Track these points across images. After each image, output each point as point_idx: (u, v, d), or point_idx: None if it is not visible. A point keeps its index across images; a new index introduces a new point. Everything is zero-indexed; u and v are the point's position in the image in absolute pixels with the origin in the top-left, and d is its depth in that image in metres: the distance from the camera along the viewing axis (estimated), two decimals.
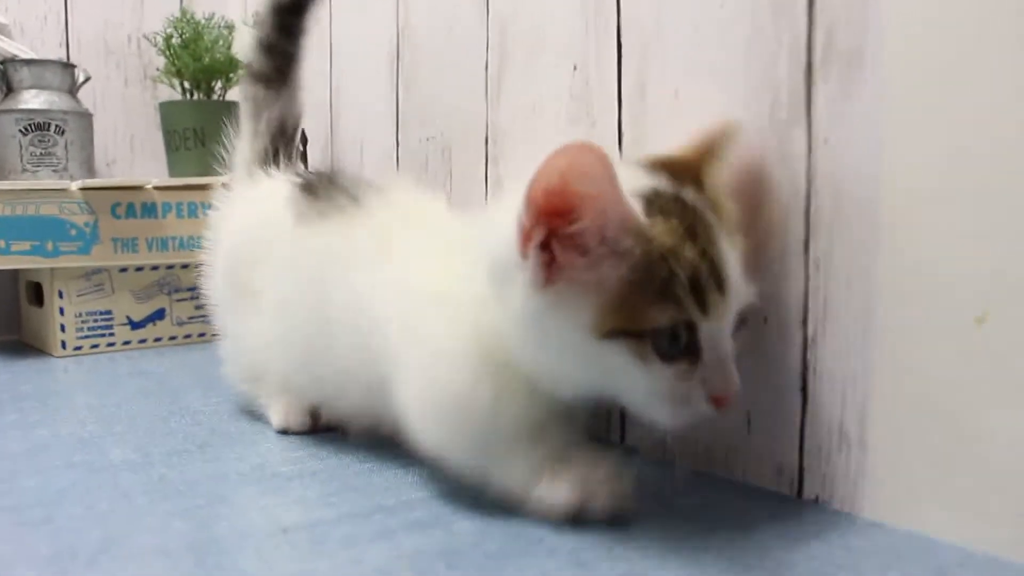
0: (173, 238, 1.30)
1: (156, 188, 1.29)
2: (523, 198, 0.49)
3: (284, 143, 0.91)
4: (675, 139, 0.61)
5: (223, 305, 0.87)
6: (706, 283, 0.49)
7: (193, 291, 1.33)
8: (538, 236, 0.49)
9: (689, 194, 0.53)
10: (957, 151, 0.50)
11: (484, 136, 0.90)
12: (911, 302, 0.52)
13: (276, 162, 0.89)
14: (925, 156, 0.52)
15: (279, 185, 0.82)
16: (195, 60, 1.39)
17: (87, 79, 1.40)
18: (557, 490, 0.55)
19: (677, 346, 0.49)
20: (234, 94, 1.46)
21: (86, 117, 1.38)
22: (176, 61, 1.39)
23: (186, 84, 1.42)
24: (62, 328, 1.24)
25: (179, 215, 1.30)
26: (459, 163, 0.95)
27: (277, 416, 0.81)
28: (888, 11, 0.53)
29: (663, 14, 0.69)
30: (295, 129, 0.93)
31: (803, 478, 0.60)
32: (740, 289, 0.51)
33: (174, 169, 1.43)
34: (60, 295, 1.24)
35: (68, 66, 1.37)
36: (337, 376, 0.70)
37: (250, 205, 0.86)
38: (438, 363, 0.58)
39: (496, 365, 0.56)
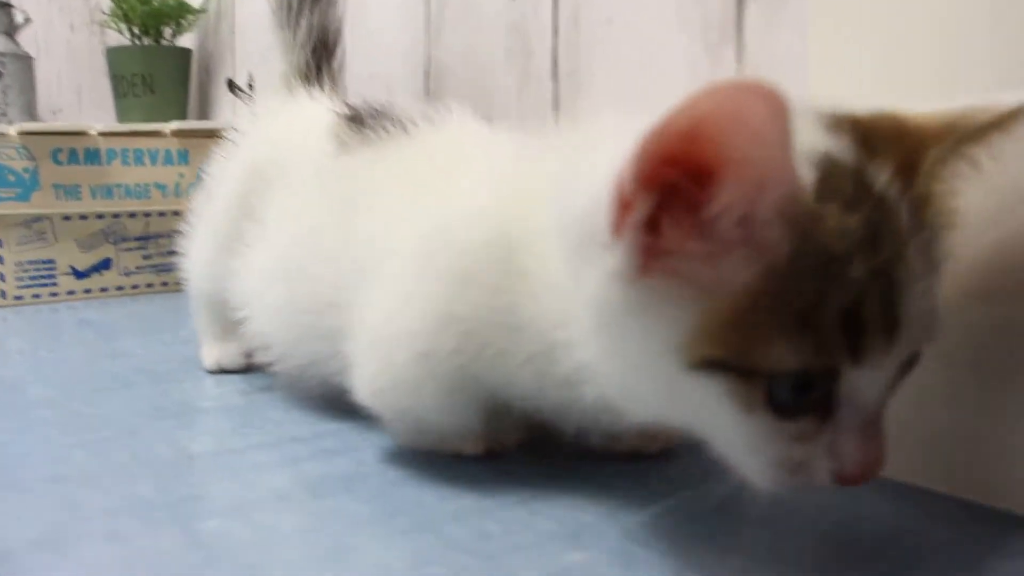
0: (118, 186, 1.27)
1: (101, 134, 1.25)
2: (632, 151, 0.31)
3: (327, 57, 0.80)
4: (609, 67, 0.58)
5: (216, 221, 0.74)
6: (871, 318, 0.33)
7: (141, 241, 1.31)
8: (642, 210, 0.33)
9: (882, 176, 0.35)
10: (881, 69, 0.48)
11: (425, 71, 0.87)
12: None
13: (319, 80, 0.79)
14: (848, 76, 0.50)
15: (321, 111, 0.70)
16: (143, 3, 1.35)
17: (27, 20, 1.36)
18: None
19: (804, 398, 0.34)
20: (186, 40, 1.42)
21: (25, 60, 1.34)
22: (123, 4, 1.35)
23: (135, 29, 1.38)
24: (2, 277, 1.21)
25: (124, 162, 1.27)
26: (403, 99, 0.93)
27: (210, 357, 0.78)
28: None
29: None
30: (337, 40, 0.82)
31: None
32: (921, 328, 0.35)
33: (123, 117, 1.40)
34: (0, 244, 1.20)
35: (5, 5, 1.33)
36: (310, 317, 0.58)
37: (287, 120, 0.75)
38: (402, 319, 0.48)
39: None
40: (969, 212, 0.40)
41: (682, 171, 0.32)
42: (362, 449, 0.56)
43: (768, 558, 0.41)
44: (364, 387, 0.51)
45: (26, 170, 1.20)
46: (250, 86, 1.22)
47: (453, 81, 0.81)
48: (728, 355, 0.33)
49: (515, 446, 0.54)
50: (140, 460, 0.55)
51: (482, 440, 0.53)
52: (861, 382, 0.34)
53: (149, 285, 1.32)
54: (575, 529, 0.44)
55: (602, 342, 0.39)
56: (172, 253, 1.34)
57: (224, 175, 0.75)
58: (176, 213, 1.31)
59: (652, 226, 0.33)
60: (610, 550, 0.41)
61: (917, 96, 0.43)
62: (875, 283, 0.33)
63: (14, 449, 0.57)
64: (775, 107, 0.28)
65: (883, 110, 0.38)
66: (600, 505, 0.46)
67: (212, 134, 1.34)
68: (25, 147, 1.19)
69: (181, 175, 1.31)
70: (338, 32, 0.82)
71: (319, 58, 0.80)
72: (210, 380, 0.76)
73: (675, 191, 0.32)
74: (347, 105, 0.68)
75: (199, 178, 1.31)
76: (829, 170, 0.34)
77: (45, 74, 1.45)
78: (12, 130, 1.19)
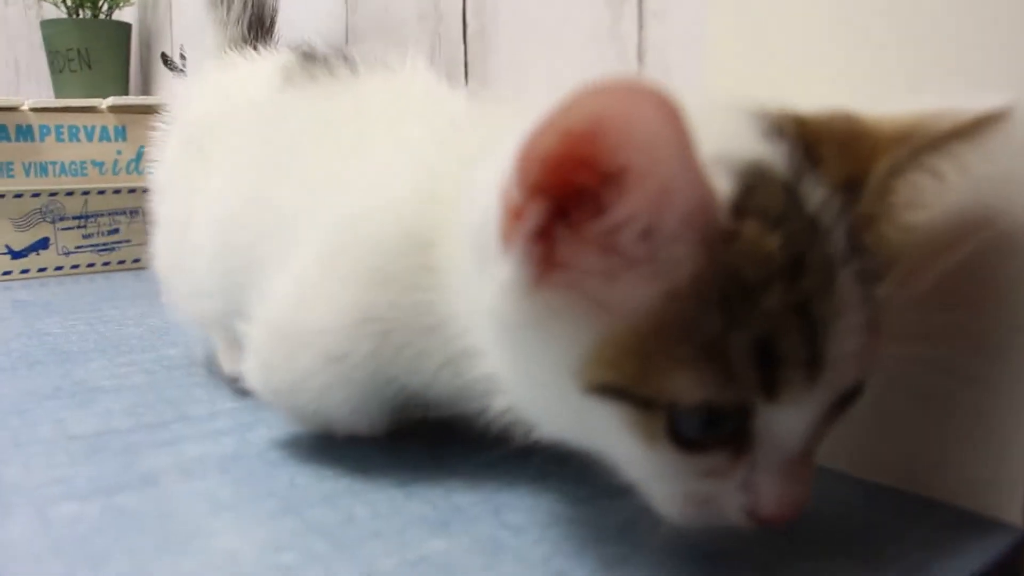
0: (54, 163, 1.23)
1: (32, 110, 1.21)
2: (515, 155, 0.28)
3: (263, 33, 0.77)
4: (514, 27, 0.55)
5: (176, 211, 0.66)
6: (788, 353, 0.29)
7: (79, 219, 1.27)
8: (533, 219, 0.29)
9: (819, 190, 0.31)
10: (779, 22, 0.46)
11: (344, 38, 0.85)
12: None
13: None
14: (746, 24, 0.48)
15: (270, 58, 0.67)
16: None
17: None
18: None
19: (712, 433, 0.31)
20: (124, 15, 1.38)
21: None
22: None
23: (70, 2, 1.34)
24: None
25: (59, 139, 1.23)
26: None
27: (229, 362, 0.62)
28: None
29: None
30: (274, 16, 0.79)
31: None
32: (851, 364, 0.31)
33: (60, 92, 1.36)
34: None
35: None
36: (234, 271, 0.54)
37: (226, 74, 0.71)
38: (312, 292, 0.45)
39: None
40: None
41: (570, 176, 0.28)
42: (253, 428, 0.54)
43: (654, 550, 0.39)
44: (258, 381, 0.48)
45: None
46: (182, 58, 1.19)
47: (370, 48, 0.79)
48: (626, 382, 0.30)
49: (413, 425, 0.52)
50: (18, 442, 0.52)
51: (382, 425, 0.49)
52: (778, 420, 0.31)
53: (90, 265, 1.29)
54: (447, 514, 0.42)
55: (503, 354, 0.36)
56: (113, 232, 1.32)
57: (169, 153, 0.69)
58: (116, 191, 1.28)
59: (546, 235, 0.29)
60: (477, 537, 0.39)
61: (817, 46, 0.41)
62: (794, 315, 0.29)
63: None
64: (667, 110, 0.25)
65: (838, 110, 0.34)
66: (480, 489, 0.44)
67: (151, 110, 1.30)
68: None
69: (119, 152, 1.28)
70: (275, 8, 0.79)
71: (255, 34, 0.77)
72: (119, 359, 0.73)
73: (570, 198, 0.29)
74: (304, 44, 0.64)
75: (139, 155, 1.28)
76: (754, 181, 0.30)
77: None
78: None
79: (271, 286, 0.47)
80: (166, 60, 1.28)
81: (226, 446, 0.51)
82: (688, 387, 0.29)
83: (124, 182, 1.27)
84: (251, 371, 0.49)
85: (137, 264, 1.27)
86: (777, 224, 0.29)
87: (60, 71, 1.33)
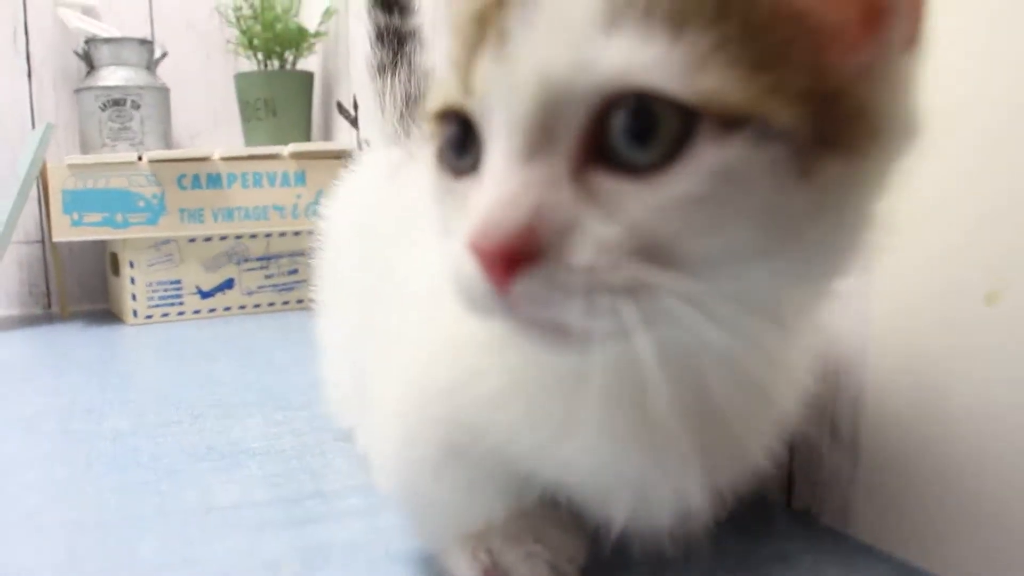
0: (238, 208, 1.31)
1: (222, 159, 1.29)
2: None
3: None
4: None
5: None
6: (486, 33, 0.27)
7: (262, 260, 1.34)
8: None
9: None
10: None
11: None
12: None
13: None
14: None
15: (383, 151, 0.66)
16: (265, 30, 1.38)
17: (164, 55, 1.43)
18: (462, 565, 0.41)
19: (459, 148, 0.29)
20: (307, 63, 1.45)
21: (162, 91, 1.41)
22: (247, 32, 1.39)
23: (259, 55, 1.42)
24: (133, 297, 1.27)
25: (244, 185, 1.31)
26: None
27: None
28: None
29: None
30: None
31: (792, 485, 0.50)
32: (557, 32, 0.26)
33: (249, 139, 1.44)
34: (131, 265, 1.27)
35: (145, 43, 1.40)
36: None
37: (356, 175, 0.69)
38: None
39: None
40: None
41: None
42: (383, 510, 0.52)
43: None
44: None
45: (154, 196, 1.26)
46: (355, 107, 1.22)
47: None
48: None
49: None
50: (163, 510, 0.54)
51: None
52: (480, 112, 0.28)
53: (270, 304, 1.36)
54: None
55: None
56: (292, 272, 1.38)
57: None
58: (296, 234, 1.34)
59: None
60: None
61: None
62: None
63: (58, 487, 0.58)
64: None
65: None
66: None
67: (329, 155, 1.36)
68: (153, 174, 1.25)
69: (299, 196, 1.34)
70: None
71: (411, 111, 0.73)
72: (275, 415, 0.75)
73: None
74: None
75: (317, 198, 1.33)
76: None
77: (185, 100, 1.53)
78: (142, 159, 1.25)
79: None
80: (341, 109, 1.33)
81: (354, 531, 0.49)
82: (432, 98, 0.31)
83: (303, 225, 1.32)
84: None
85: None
86: None
87: (249, 120, 1.41)
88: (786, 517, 0.49)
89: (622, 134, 0.25)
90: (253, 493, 0.56)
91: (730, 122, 0.24)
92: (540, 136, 0.26)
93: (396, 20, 0.68)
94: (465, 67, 0.28)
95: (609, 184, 0.26)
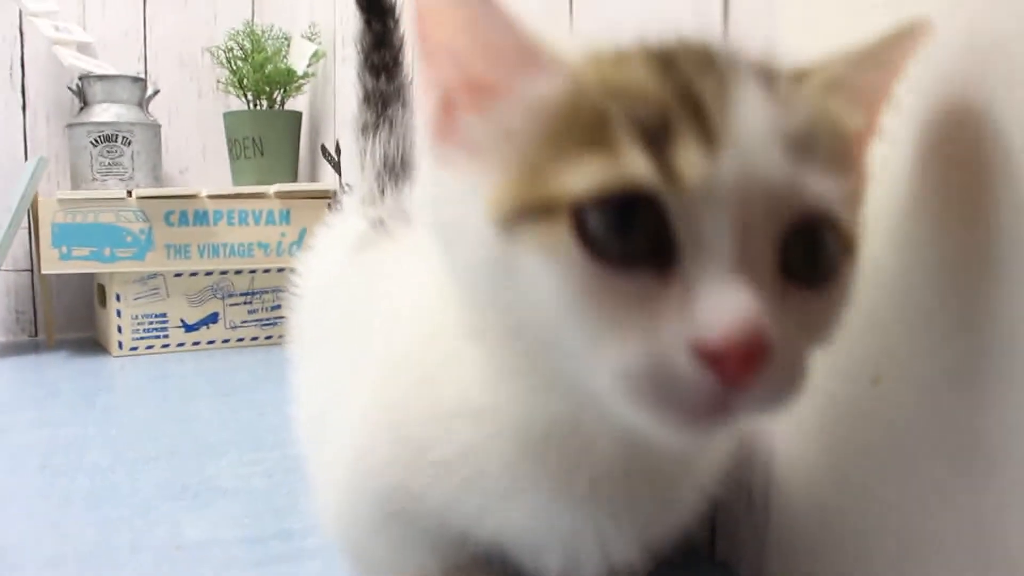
0: (224, 244, 1.35)
1: (209, 197, 1.33)
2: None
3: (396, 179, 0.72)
4: None
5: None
6: (674, 128, 0.27)
7: (246, 296, 1.38)
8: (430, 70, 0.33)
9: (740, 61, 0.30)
10: None
11: None
12: None
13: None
14: None
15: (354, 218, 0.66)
16: (255, 71, 1.43)
17: (156, 92, 1.47)
18: None
19: (626, 233, 0.27)
20: (295, 103, 1.50)
21: (153, 128, 1.45)
22: (237, 72, 1.44)
23: (248, 95, 1.46)
24: (119, 329, 1.31)
25: (230, 223, 1.35)
26: None
27: None
28: None
29: None
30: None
31: (715, 539, 0.54)
32: (770, 149, 0.28)
33: (236, 177, 1.49)
34: (118, 298, 1.31)
35: (138, 80, 1.45)
36: None
37: (329, 237, 0.70)
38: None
39: None
40: None
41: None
42: (332, 553, 0.56)
43: None
44: None
45: (142, 231, 1.30)
46: (338, 152, 1.27)
47: None
48: (525, 197, 0.29)
49: None
50: (135, 547, 0.57)
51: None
52: (694, 213, 0.27)
53: (254, 338, 1.39)
54: None
55: (443, 257, 0.34)
56: (276, 307, 1.42)
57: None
58: (280, 270, 1.38)
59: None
60: None
61: None
62: (675, 97, 0.28)
63: (35, 523, 0.61)
64: None
65: None
66: None
67: (314, 195, 1.41)
68: (142, 210, 1.29)
69: (283, 234, 1.38)
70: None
71: (392, 176, 0.71)
72: (248, 455, 0.78)
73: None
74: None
75: (300, 236, 1.37)
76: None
77: (176, 136, 1.57)
78: (132, 195, 1.29)
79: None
80: (325, 153, 1.37)
81: (311, 570, 0.53)
82: (580, 176, 0.27)
83: (287, 262, 1.36)
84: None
85: None
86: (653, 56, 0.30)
87: (237, 157, 1.46)
88: (708, 569, 0.53)
89: (803, 250, 0.29)
90: (221, 531, 0.60)
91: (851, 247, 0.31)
92: (755, 244, 0.28)
93: (383, 84, 0.72)
94: (654, 151, 0.27)
95: (794, 293, 0.29)
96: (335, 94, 1.39)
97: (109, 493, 0.68)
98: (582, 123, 0.28)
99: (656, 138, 0.27)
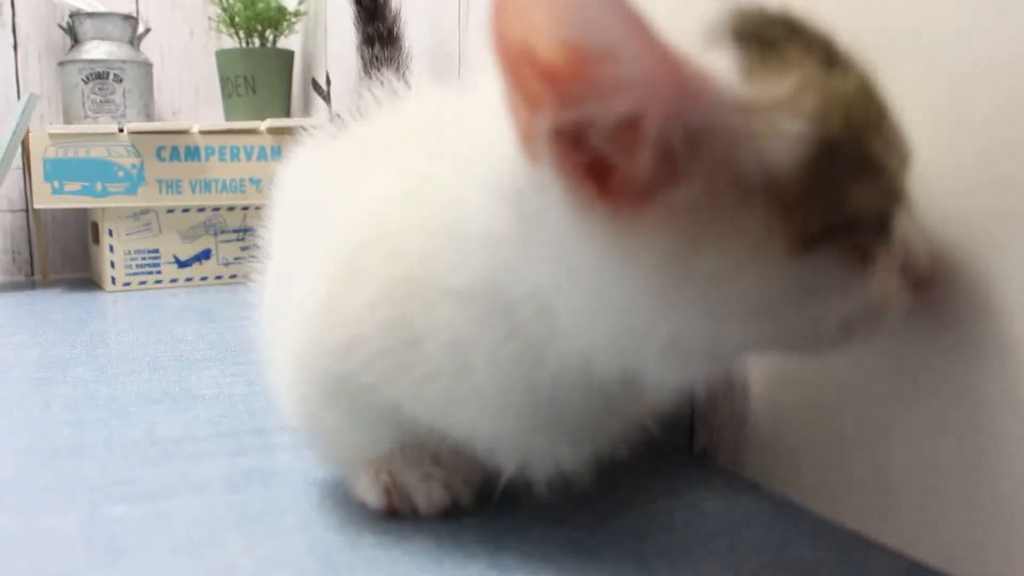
0: (216, 180, 1.34)
1: (200, 132, 1.33)
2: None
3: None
4: None
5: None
6: (898, 159, 0.33)
7: (239, 232, 1.38)
8: (546, 118, 0.28)
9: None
10: None
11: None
12: None
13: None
14: None
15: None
16: (245, 8, 1.42)
17: (147, 31, 1.47)
18: (365, 485, 0.46)
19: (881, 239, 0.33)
20: (287, 42, 1.49)
21: (145, 66, 1.45)
22: (228, 10, 1.43)
23: (241, 33, 1.45)
24: (112, 264, 1.31)
25: (222, 158, 1.35)
26: None
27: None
28: None
29: None
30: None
31: (693, 430, 0.54)
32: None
33: (229, 115, 1.48)
34: (110, 233, 1.31)
35: (129, 18, 1.44)
36: None
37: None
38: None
39: None
40: None
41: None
42: (302, 447, 0.56)
43: None
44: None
45: (133, 166, 1.30)
46: (328, 84, 1.26)
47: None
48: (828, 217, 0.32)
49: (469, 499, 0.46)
50: (109, 442, 0.58)
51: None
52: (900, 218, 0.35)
53: (247, 275, 1.40)
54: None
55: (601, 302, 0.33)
56: None
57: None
58: None
59: (582, 141, 0.29)
60: None
61: None
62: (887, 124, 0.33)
63: (9, 421, 0.62)
64: None
65: None
66: None
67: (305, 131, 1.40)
68: (133, 145, 1.29)
69: (275, 170, 1.37)
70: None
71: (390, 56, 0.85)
72: (231, 368, 0.79)
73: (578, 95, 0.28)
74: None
75: None
76: (760, 26, 0.31)
77: (168, 76, 1.57)
78: (123, 131, 1.29)
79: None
80: (315, 85, 1.36)
81: (280, 461, 0.54)
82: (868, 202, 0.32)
83: None
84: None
85: None
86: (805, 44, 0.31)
87: (229, 96, 1.45)
88: (687, 459, 0.53)
89: None
90: (196, 429, 0.60)
91: None
92: None
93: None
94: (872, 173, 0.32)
95: None
96: (326, 31, 1.38)
97: (88, 400, 0.68)
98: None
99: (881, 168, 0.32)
